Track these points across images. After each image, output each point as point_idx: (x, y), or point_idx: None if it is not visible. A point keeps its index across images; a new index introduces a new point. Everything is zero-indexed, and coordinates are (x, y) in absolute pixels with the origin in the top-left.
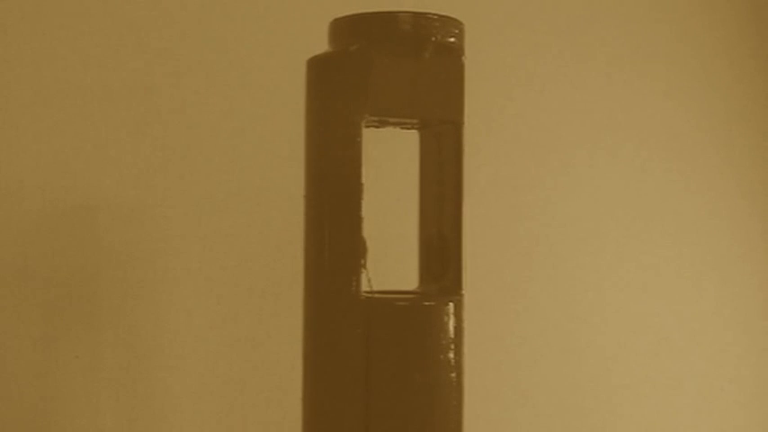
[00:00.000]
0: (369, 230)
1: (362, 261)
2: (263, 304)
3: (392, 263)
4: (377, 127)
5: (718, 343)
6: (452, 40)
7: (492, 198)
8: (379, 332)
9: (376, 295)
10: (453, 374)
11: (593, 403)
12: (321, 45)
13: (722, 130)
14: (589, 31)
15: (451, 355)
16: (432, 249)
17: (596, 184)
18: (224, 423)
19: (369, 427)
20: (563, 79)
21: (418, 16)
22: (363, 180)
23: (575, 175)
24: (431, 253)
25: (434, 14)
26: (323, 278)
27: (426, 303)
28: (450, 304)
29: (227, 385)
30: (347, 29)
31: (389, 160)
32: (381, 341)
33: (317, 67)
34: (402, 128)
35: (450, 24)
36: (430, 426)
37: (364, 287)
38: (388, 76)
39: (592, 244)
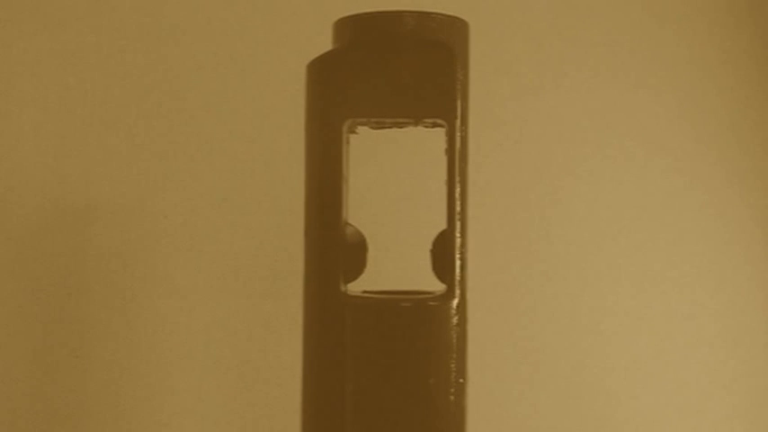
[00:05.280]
0: (370, 231)
1: (362, 259)
2: (264, 305)
3: (392, 263)
4: (372, 128)
5: (719, 344)
6: (451, 38)
7: (493, 197)
8: (382, 333)
9: (376, 296)
10: (457, 376)
11: (594, 404)
12: (327, 47)
13: (723, 131)
14: (592, 31)
15: (456, 356)
16: (435, 249)
17: (598, 184)
18: (223, 422)
19: (371, 429)
20: (564, 80)
21: (416, 16)
22: (348, 180)
23: (576, 176)
24: (435, 253)
25: (435, 13)
26: (317, 279)
27: (431, 303)
28: (455, 304)
29: (227, 385)
30: (345, 30)
31: (390, 160)
32: (384, 342)
33: (310, 68)
34: (399, 128)
35: (449, 23)
36: (433, 427)
37: (343, 290)
38: (379, 76)
39: (593, 244)
